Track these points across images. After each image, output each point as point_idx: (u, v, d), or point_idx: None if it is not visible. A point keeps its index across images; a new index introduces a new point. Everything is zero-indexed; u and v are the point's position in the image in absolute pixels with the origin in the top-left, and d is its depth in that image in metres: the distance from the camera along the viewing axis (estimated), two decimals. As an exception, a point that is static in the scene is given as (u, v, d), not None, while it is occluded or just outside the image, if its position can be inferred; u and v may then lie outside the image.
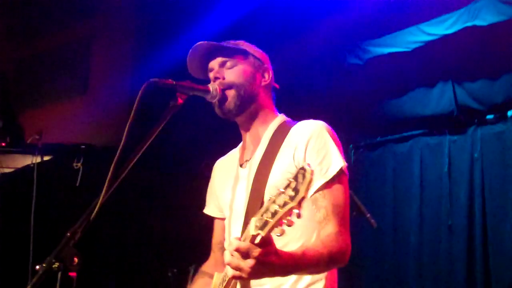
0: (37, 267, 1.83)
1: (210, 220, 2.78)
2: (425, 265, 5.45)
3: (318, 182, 2.27)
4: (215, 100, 2.40)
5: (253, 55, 2.53)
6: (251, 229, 1.84)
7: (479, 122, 5.32)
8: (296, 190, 1.75)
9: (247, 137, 2.55)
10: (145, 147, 2.12)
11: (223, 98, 2.42)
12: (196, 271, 3.06)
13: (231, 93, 2.42)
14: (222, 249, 2.70)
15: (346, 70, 5.63)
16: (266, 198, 2.30)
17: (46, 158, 5.08)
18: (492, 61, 5.08)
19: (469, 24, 4.84)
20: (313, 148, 2.32)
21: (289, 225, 1.77)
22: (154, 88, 2.17)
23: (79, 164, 5.10)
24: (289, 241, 2.29)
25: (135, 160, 2.09)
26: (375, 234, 5.22)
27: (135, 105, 2.10)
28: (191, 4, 5.22)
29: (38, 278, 1.82)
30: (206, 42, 2.49)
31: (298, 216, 1.75)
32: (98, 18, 5.92)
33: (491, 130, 5.24)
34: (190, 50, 2.50)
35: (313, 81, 5.57)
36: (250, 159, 2.50)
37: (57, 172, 5.21)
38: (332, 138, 2.35)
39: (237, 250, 1.88)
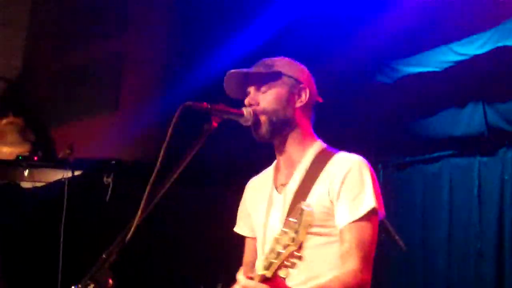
0: (73, 288, 1.86)
1: (240, 238, 2.78)
2: (454, 289, 5.38)
3: (347, 218, 2.30)
4: (249, 124, 2.41)
5: (288, 76, 2.51)
6: (259, 269, 1.88)
7: (510, 144, 5.25)
8: (296, 232, 1.78)
9: (282, 159, 2.55)
10: (181, 169, 2.15)
11: (257, 124, 2.43)
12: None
13: (263, 119, 2.43)
14: (252, 268, 2.71)
15: (376, 89, 5.62)
16: None
17: (77, 173, 5.14)
18: (524, 82, 5.04)
19: (500, 44, 4.80)
20: (348, 185, 2.33)
21: (291, 267, 1.80)
22: (189, 111, 2.20)
23: (109, 179, 5.15)
24: (320, 273, 2.30)
25: (172, 181, 2.12)
26: (403, 257, 5.17)
27: (170, 128, 2.12)
28: (221, 23, 5.26)
29: (73, 299, 1.85)
30: (237, 71, 2.49)
31: (299, 258, 1.78)
32: (131, 34, 5.99)
33: (522, 152, 5.19)
34: (225, 78, 2.51)
35: (342, 100, 5.55)
36: (285, 184, 2.49)
37: (88, 187, 5.27)
38: (370, 177, 2.36)
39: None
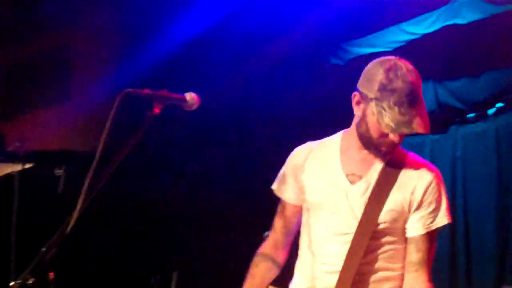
0: (12, 283, 1.81)
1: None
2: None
3: (423, 228, 2.46)
4: (192, 109, 2.37)
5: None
6: None
7: (461, 121, 5.34)
8: None
9: (349, 145, 2.56)
10: (121, 158, 2.10)
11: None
12: (179, 277, 3.04)
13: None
14: (286, 233, 2.69)
15: (328, 71, 5.62)
16: (381, 221, 2.43)
17: (27, 165, 5.02)
18: (473, 59, 5.10)
19: (449, 22, 4.85)
20: (427, 198, 2.48)
21: None
22: (130, 98, 2.15)
23: (60, 171, 5.05)
24: (379, 258, 2.47)
25: (111, 171, 2.07)
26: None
27: (110, 116, 2.07)
28: (169, 8, 5.18)
29: (13, 295, 1.80)
30: None
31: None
32: (79, 25, 5.87)
33: (473, 129, 5.26)
34: None
35: (294, 81, 5.56)
36: (361, 176, 2.50)
37: (39, 179, 5.16)
38: (445, 192, 2.52)
39: None
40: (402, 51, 5.19)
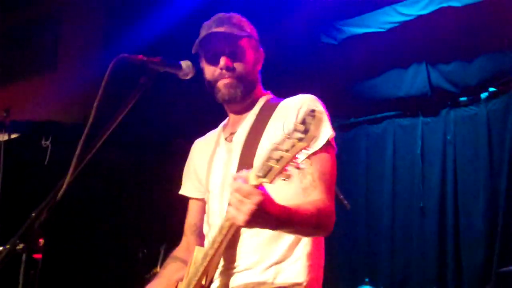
0: (0, 248, 1.76)
1: (185, 201, 2.70)
2: (397, 246, 5.47)
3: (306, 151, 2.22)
4: (187, 77, 2.32)
5: (254, 38, 2.45)
6: (251, 179, 1.78)
7: (453, 104, 5.32)
8: (305, 131, 1.69)
9: (233, 116, 2.48)
10: (114, 125, 2.04)
11: (233, 86, 2.36)
12: (167, 251, 2.99)
13: (238, 83, 2.36)
14: (196, 232, 2.62)
15: (320, 50, 5.58)
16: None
17: (13, 136, 4.96)
18: (466, 42, 5.07)
19: (444, 4, 4.82)
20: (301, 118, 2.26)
21: (297, 168, 1.72)
22: (124, 64, 2.09)
23: (47, 142, 4.99)
24: None
25: (104, 138, 2.02)
26: (347, 215, 5.20)
27: (104, 81, 2.01)
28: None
29: (1, 260, 1.74)
30: (218, 31, 2.38)
31: (309, 157, 1.68)
32: None
33: (464, 113, 5.25)
34: (202, 37, 2.38)
35: (286, 59, 5.50)
36: (234, 132, 2.42)
37: (25, 150, 5.10)
38: (324, 108, 2.29)
39: (238, 190, 1.81)
40: (396, 32, 5.17)
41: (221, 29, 2.39)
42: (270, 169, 1.76)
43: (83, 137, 1.94)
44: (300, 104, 2.29)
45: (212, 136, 2.58)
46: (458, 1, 4.76)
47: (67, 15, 5.91)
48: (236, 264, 2.27)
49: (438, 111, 5.39)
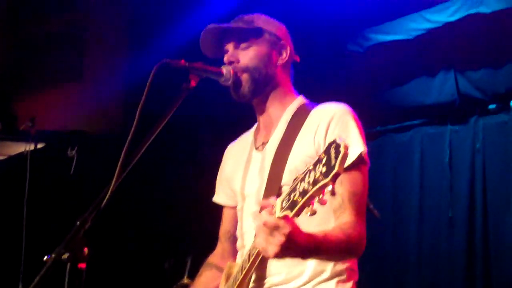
0: (46, 257, 1.72)
1: (219, 209, 2.68)
2: (425, 256, 5.37)
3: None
4: (229, 83, 2.29)
5: (269, 32, 2.39)
6: (278, 210, 1.73)
7: (481, 112, 5.23)
8: (328, 165, 1.60)
9: (262, 119, 2.44)
10: (157, 131, 2.02)
11: (238, 82, 2.30)
12: (193, 261, 2.97)
13: (245, 77, 2.31)
14: (231, 239, 2.61)
15: (346, 58, 5.54)
16: (284, 182, 2.18)
17: (39, 145, 4.97)
18: (495, 49, 5.00)
19: (472, 11, 4.76)
20: (333, 132, 2.20)
21: (321, 203, 1.65)
22: (166, 70, 2.06)
23: (73, 152, 4.99)
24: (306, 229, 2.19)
25: (147, 145, 1.99)
26: (374, 224, 5.12)
27: (147, 87, 1.99)
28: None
29: (46, 269, 1.71)
30: (217, 26, 2.37)
31: (332, 193, 1.61)
32: (93, 4, 5.80)
33: (493, 120, 5.16)
34: (202, 34, 2.39)
35: (312, 68, 5.46)
36: (266, 142, 2.38)
37: (51, 160, 5.11)
38: (355, 122, 2.25)
39: (265, 224, 1.76)
40: (423, 39, 5.12)
41: (222, 26, 2.38)
42: (294, 202, 1.70)
43: (126, 145, 1.91)
44: (330, 119, 2.22)
45: (244, 142, 2.55)
46: (487, 7, 4.70)
47: (92, 25, 5.93)
48: (266, 281, 2.24)
49: (467, 119, 5.31)
